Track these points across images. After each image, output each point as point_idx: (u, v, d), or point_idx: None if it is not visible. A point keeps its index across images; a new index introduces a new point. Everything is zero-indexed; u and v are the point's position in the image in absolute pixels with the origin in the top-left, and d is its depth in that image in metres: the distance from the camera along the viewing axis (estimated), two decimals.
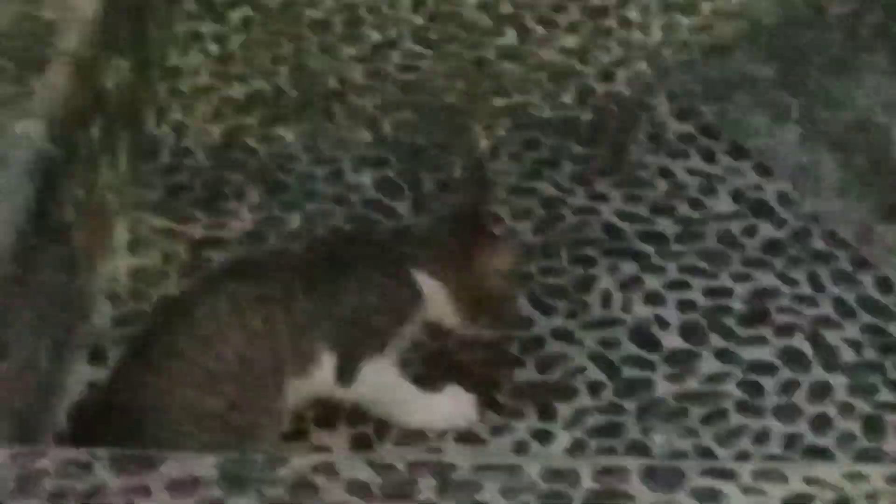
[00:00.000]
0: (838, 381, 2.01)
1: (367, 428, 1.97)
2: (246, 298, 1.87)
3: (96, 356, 2.04)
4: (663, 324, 2.08)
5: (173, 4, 2.47)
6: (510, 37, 2.47)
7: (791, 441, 1.95)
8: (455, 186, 2.22)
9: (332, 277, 1.90)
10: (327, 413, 1.97)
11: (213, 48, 2.46)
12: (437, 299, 1.93)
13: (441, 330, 2.01)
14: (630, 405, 1.99)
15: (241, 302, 1.87)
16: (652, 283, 2.13)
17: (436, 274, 1.94)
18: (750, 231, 2.19)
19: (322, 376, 1.89)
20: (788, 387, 2.01)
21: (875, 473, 1.69)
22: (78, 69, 2.05)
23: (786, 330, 2.07)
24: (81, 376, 2.02)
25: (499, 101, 2.38)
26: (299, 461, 1.70)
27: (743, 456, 1.92)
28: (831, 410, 1.98)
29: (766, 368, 2.03)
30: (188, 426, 1.83)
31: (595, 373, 2.03)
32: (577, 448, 1.94)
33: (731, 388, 2.00)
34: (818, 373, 2.02)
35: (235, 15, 2.52)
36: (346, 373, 1.89)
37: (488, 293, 1.97)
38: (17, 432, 1.83)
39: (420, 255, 1.95)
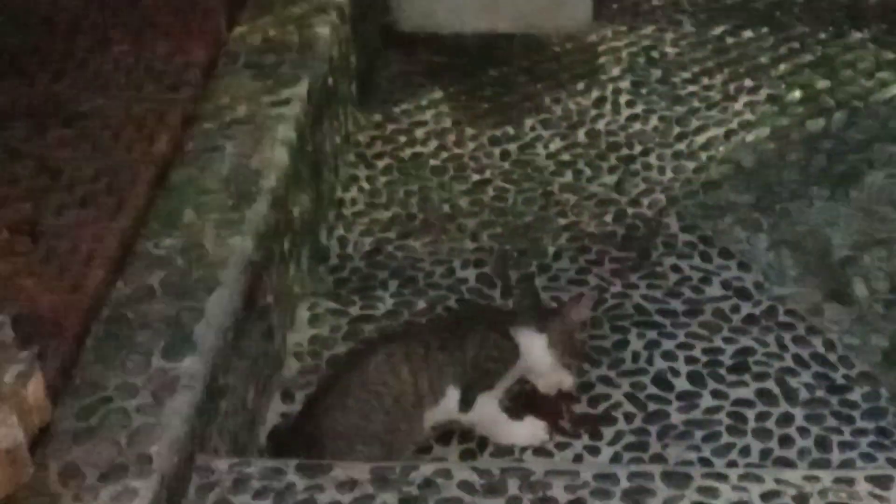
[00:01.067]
0: (798, 413, 2.00)
1: (472, 444, 1.97)
2: (398, 356, 1.90)
3: (286, 396, 2.06)
4: (675, 373, 2.07)
5: (339, 157, 2.49)
6: (568, 176, 2.48)
7: (765, 454, 1.94)
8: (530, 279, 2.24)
9: (459, 337, 1.93)
10: (444, 434, 1.98)
11: (366, 186, 2.48)
12: (546, 353, 1.95)
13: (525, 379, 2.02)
14: (652, 429, 1.98)
15: (396, 358, 1.90)
16: (667, 344, 2.12)
17: (542, 330, 1.95)
18: (735, 308, 2.18)
19: (447, 406, 1.91)
20: (763, 416, 2.00)
21: (825, 476, 1.69)
22: (274, 201, 2.07)
23: (760, 377, 2.05)
24: (276, 410, 2.03)
25: (561, 221, 2.38)
26: (426, 467, 1.72)
27: (732, 464, 1.91)
28: (793, 433, 1.97)
29: (747, 403, 2.01)
30: (357, 443, 1.85)
31: (628, 407, 2.02)
32: (616, 459, 1.94)
33: (722, 416, 1.99)
34: (783, 406, 2.01)
35: (380, 163, 2.53)
36: (465, 403, 1.91)
37: (574, 343, 1.98)
38: (233, 448, 1.85)
39: (528, 320, 1.97)
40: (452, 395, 1.92)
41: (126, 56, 2.30)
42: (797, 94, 2.64)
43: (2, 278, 1.83)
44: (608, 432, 1.98)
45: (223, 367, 1.82)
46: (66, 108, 2.17)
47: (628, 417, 2.01)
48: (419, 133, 2.61)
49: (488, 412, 1.95)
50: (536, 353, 1.96)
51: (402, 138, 2.60)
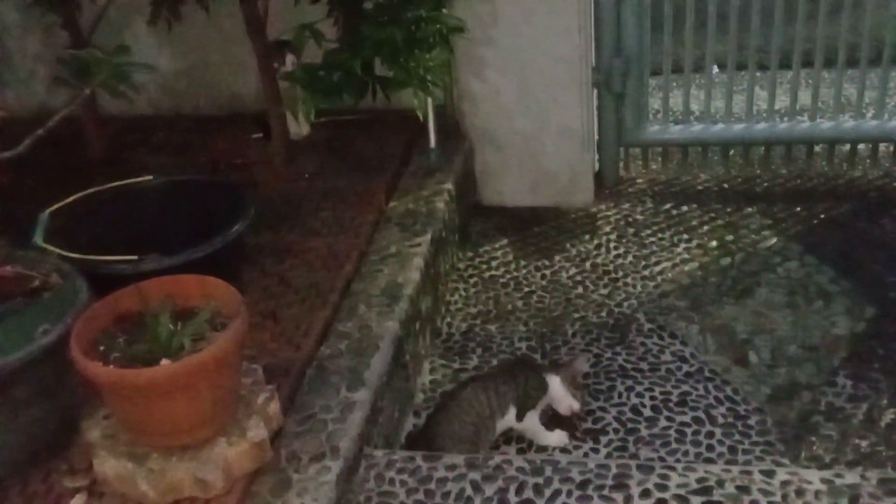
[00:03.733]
0: (717, 431, 1.95)
1: (524, 444, 1.94)
2: (480, 388, 1.90)
3: (416, 414, 2.04)
4: (643, 405, 2.03)
5: (448, 276, 2.50)
6: (580, 289, 2.46)
7: (697, 455, 1.89)
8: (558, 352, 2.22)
9: (514, 375, 1.93)
10: (507, 438, 1.96)
11: (462, 293, 2.48)
12: (560, 388, 1.94)
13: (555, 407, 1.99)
14: (630, 438, 1.94)
15: (478, 389, 1.90)
16: (638, 388, 2.08)
17: (562, 377, 1.95)
18: (679, 368, 2.13)
19: (509, 417, 1.89)
20: (696, 433, 1.95)
21: (734, 469, 1.65)
22: (411, 302, 2.08)
23: (694, 409, 2.01)
24: (410, 422, 2.02)
25: (575, 315, 2.36)
26: (497, 457, 1.71)
27: (678, 461, 1.87)
28: (714, 443, 1.92)
29: (686, 424, 1.97)
30: (456, 443, 1.84)
31: (615, 425, 1.98)
32: (608, 456, 1.91)
33: (672, 432, 1.95)
34: (708, 427, 1.96)
35: (471, 280, 2.53)
36: (520, 415, 1.90)
37: (577, 381, 1.96)
38: (385, 443, 1.85)
39: (555, 369, 1.97)
40: (512, 412, 1.91)
41: (328, 217, 2.35)
42: (714, 243, 2.61)
43: (258, 343, 1.86)
44: (604, 440, 1.95)
45: (381, 396, 1.82)
46: (294, 247, 2.22)
47: (615, 431, 1.97)
48: (494, 263, 2.61)
49: (533, 424, 1.93)
50: (555, 387, 1.95)
51: (484, 266, 2.60)
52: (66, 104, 1.64)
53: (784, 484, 1.58)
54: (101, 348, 1.49)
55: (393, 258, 2.22)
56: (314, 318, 1.95)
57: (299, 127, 2.70)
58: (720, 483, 1.58)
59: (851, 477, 1.59)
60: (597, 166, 2.92)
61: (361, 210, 2.37)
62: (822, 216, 2.69)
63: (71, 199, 1.96)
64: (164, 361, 1.44)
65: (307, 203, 2.41)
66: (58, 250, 1.76)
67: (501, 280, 2.53)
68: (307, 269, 2.13)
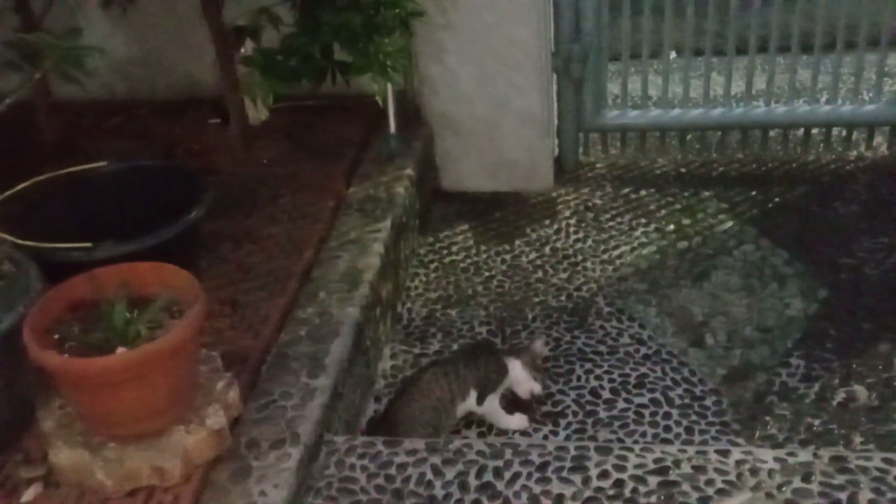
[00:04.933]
0: (674, 412, 1.97)
1: (484, 428, 1.95)
2: (440, 373, 1.90)
3: (377, 400, 2.04)
4: (602, 388, 2.05)
5: (408, 262, 2.49)
6: (540, 273, 2.47)
7: (655, 436, 1.91)
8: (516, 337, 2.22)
9: (475, 359, 1.93)
10: (468, 422, 1.96)
11: (423, 278, 2.48)
12: (521, 371, 1.94)
13: (514, 390, 2.00)
14: (589, 420, 1.96)
15: (438, 374, 1.90)
16: (597, 371, 2.09)
17: (522, 360, 1.95)
18: (637, 350, 2.15)
19: (470, 401, 1.89)
20: (653, 413, 1.97)
21: (690, 449, 1.67)
22: (371, 287, 2.08)
23: (652, 390, 2.03)
24: (371, 408, 2.02)
25: (535, 299, 2.37)
26: (457, 441, 1.72)
27: (636, 442, 1.89)
28: (671, 424, 1.94)
29: (644, 406, 1.99)
30: (417, 427, 1.84)
31: (575, 407, 2.00)
32: (567, 438, 1.92)
33: (630, 413, 1.97)
34: (665, 408, 1.98)
35: (432, 266, 2.53)
36: (480, 399, 1.90)
37: (537, 364, 1.97)
38: (346, 429, 1.84)
39: (515, 353, 1.97)
40: (472, 395, 1.91)
41: (287, 203, 2.33)
42: (672, 227, 2.64)
43: (217, 330, 1.85)
44: (563, 422, 1.96)
45: (341, 383, 1.82)
46: (252, 234, 2.20)
47: (574, 414, 1.99)
48: (454, 248, 2.61)
49: (493, 408, 1.94)
50: (515, 370, 1.96)
51: (444, 251, 2.60)
52: (16, 89, 1.61)
53: (739, 463, 1.61)
54: (56, 337, 1.47)
55: (353, 244, 2.21)
56: (273, 305, 1.94)
57: (257, 112, 2.66)
58: (677, 463, 1.60)
59: (804, 455, 1.62)
60: (556, 151, 2.93)
61: (321, 196, 2.35)
62: (777, 200, 2.72)
63: (23, 185, 1.92)
64: (120, 350, 1.42)
65: (266, 189, 2.39)
66: (10, 238, 1.73)
67: (462, 265, 2.53)
68: (266, 255, 2.11)
